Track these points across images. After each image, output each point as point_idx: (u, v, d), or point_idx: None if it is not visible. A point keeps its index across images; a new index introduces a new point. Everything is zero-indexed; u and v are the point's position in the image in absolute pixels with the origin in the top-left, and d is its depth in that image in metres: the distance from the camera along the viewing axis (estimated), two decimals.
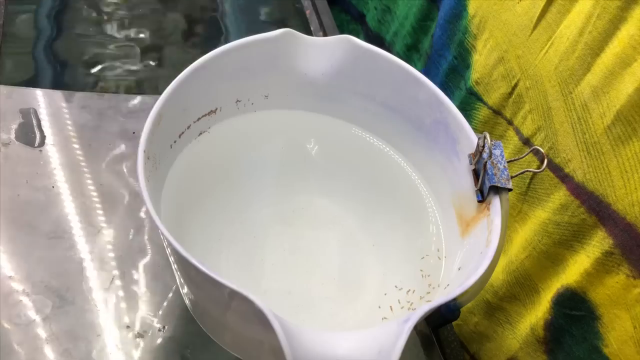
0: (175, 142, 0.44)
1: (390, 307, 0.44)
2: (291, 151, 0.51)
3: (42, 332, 0.44)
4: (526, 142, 0.47)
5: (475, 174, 0.41)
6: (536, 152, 0.45)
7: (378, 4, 0.79)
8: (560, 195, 0.43)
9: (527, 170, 0.43)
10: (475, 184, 0.41)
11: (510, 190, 0.39)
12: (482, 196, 0.40)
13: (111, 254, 0.50)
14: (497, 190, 0.39)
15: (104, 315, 0.46)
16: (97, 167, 0.55)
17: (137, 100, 0.62)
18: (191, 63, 0.41)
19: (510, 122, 0.50)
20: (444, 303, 0.33)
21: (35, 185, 0.52)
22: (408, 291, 0.45)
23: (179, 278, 0.42)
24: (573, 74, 0.41)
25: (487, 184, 0.39)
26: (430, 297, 0.43)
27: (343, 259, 0.48)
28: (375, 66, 0.46)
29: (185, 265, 0.35)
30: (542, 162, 0.43)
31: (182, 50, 0.74)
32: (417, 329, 0.52)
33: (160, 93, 0.40)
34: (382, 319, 0.43)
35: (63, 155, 0.55)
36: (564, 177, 0.42)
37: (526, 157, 0.44)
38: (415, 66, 0.45)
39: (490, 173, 0.39)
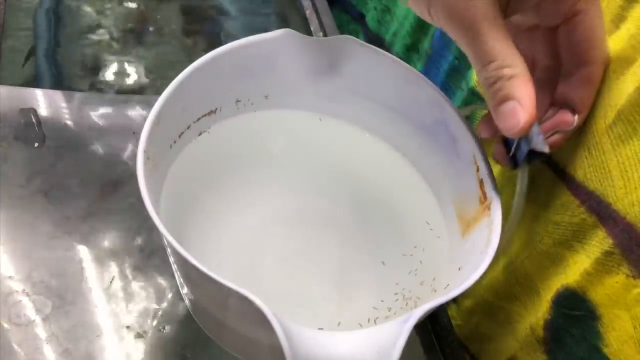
0: (175, 142, 0.43)
1: (390, 307, 0.44)
2: (291, 151, 0.51)
3: (42, 332, 0.44)
4: None
5: (505, 141, 0.40)
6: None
7: (378, 4, 0.79)
8: (560, 195, 0.43)
9: (558, 131, 0.40)
10: (506, 154, 0.40)
11: (547, 154, 0.37)
12: (516, 164, 0.39)
13: (111, 254, 0.50)
14: (529, 158, 0.38)
15: (104, 315, 0.46)
16: (97, 167, 0.55)
17: (137, 100, 0.62)
18: (191, 63, 0.41)
19: None
20: (444, 303, 0.33)
21: (36, 185, 0.52)
22: (407, 291, 0.45)
23: (179, 278, 0.42)
24: None
25: (524, 149, 0.38)
26: (430, 297, 0.43)
27: (342, 259, 0.48)
28: (375, 66, 0.46)
29: (185, 265, 0.35)
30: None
31: (182, 50, 0.74)
32: (417, 329, 0.52)
33: (160, 93, 0.40)
34: (382, 318, 0.43)
35: (63, 155, 0.55)
36: (564, 177, 0.42)
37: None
38: (414, 66, 0.45)
39: (528, 137, 0.37)
